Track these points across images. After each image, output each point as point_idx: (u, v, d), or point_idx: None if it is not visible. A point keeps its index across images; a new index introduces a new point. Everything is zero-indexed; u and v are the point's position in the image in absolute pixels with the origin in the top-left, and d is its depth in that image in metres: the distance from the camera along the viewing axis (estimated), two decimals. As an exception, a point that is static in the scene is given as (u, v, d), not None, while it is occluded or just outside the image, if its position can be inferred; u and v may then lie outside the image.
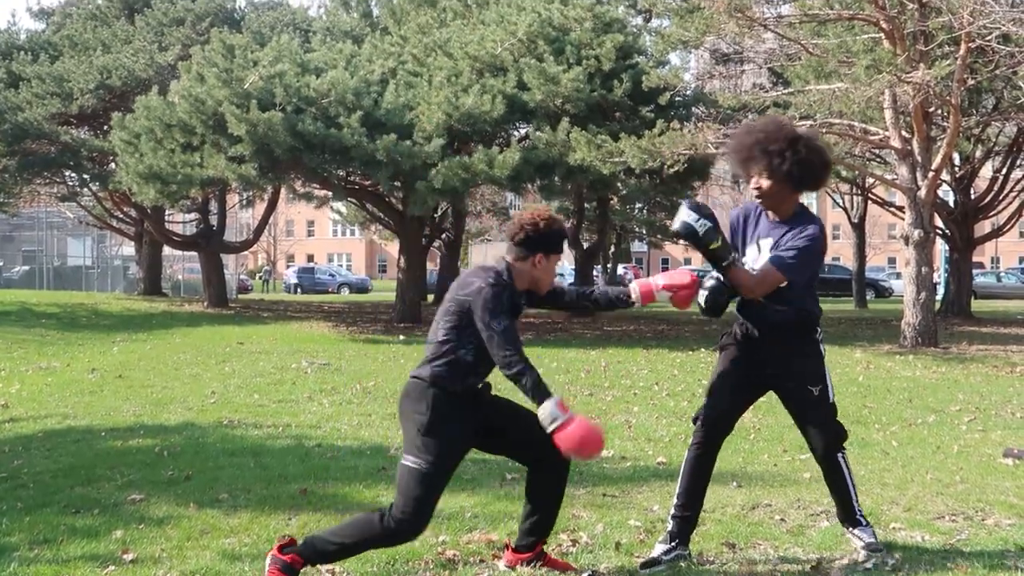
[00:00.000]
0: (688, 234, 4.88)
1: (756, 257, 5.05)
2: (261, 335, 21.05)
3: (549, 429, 4.45)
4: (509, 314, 4.56)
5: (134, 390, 12.32)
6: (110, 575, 4.91)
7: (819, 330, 5.15)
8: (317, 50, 23.11)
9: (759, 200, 5.06)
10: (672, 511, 5.10)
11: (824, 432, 5.10)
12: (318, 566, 4.78)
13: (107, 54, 27.99)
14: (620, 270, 52.52)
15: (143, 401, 11.31)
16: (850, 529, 5.24)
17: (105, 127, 26.87)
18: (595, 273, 37.29)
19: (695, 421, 5.15)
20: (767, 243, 5.03)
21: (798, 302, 5.04)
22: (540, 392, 4.47)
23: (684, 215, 4.89)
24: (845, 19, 18.01)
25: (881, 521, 5.79)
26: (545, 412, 4.46)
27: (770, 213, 5.08)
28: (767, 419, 9.44)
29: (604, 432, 4.66)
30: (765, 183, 4.97)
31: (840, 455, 5.14)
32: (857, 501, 5.22)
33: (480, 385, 4.74)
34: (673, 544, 5.01)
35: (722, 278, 4.96)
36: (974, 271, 36.20)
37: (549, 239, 4.71)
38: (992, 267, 63.87)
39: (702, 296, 4.98)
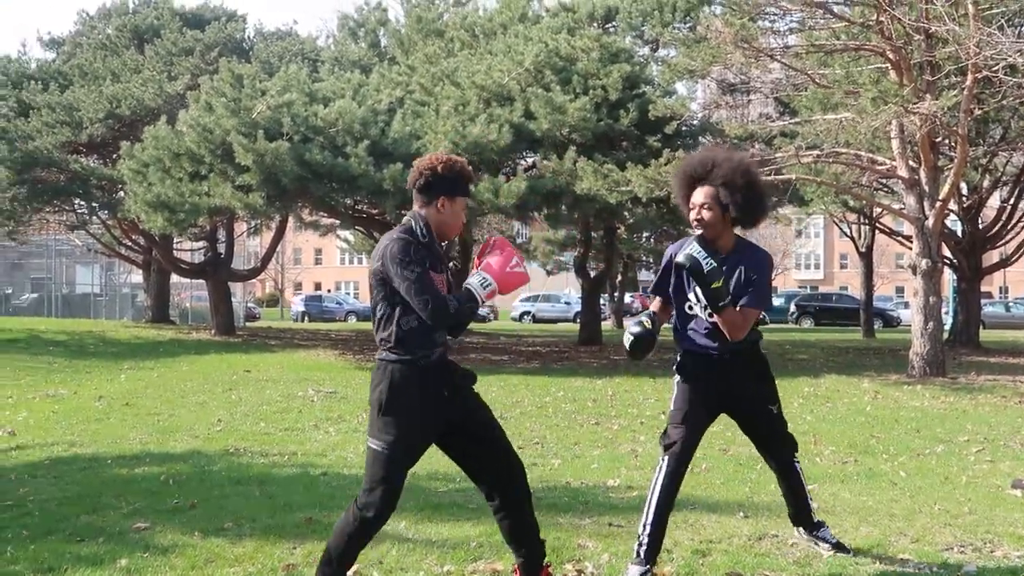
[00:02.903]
0: (694, 268, 5.03)
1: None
2: (268, 363, 21.05)
3: (485, 293, 4.52)
4: (422, 263, 4.45)
5: (140, 418, 12.32)
6: (114, 604, 4.89)
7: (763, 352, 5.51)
8: (325, 79, 23.25)
9: (701, 230, 5.19)
10: (644, 537, 5.16)
11: (782, 444, 5.54)
12: None
13: (116, 83, 28.16)
14: (627, 298, 52.50)
15: (149, 429, 11.30)
16: (813, 534, 5.71)
17: (114, 156, 27.07)
18: (602, 302, 37.27)
19: (666, 448, 5.27)
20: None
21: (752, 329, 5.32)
22: (468, 297, 4.51)
23: (694, 249, 5.06)
24: (852, 50, 18.06)
25: (889, 552, 5.76)
26: (474, 286, 4.54)
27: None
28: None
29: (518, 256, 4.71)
30: (707, 214, 5.15)
31: (795, 461, 5.62)
32: (810, 501, 5.77)
33: (442, 353, 4.64)
34: (648, 567, 5.11)
35: (649, 325, 5.28)
36: (982, 301, 36.15)
37: (449, 181, 4.61)
38: (1000, 297, 63.83)
39: (627, 340, 5.31)
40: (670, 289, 5.38)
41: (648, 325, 5.29)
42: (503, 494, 4.77)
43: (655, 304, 5.53)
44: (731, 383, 5.28)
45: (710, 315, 5.17)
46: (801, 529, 5.78)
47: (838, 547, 5.65)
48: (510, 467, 4.78)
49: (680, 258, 5.09)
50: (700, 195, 5.16)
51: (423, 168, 4.62)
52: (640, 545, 5.14)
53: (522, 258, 4.72)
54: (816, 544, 5.68)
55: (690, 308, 5.30)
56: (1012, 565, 5.52)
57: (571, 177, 19.60)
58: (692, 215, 5.20)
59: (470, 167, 4.82)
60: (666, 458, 5.23)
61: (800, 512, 5.71)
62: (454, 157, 4.71)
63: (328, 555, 4.58)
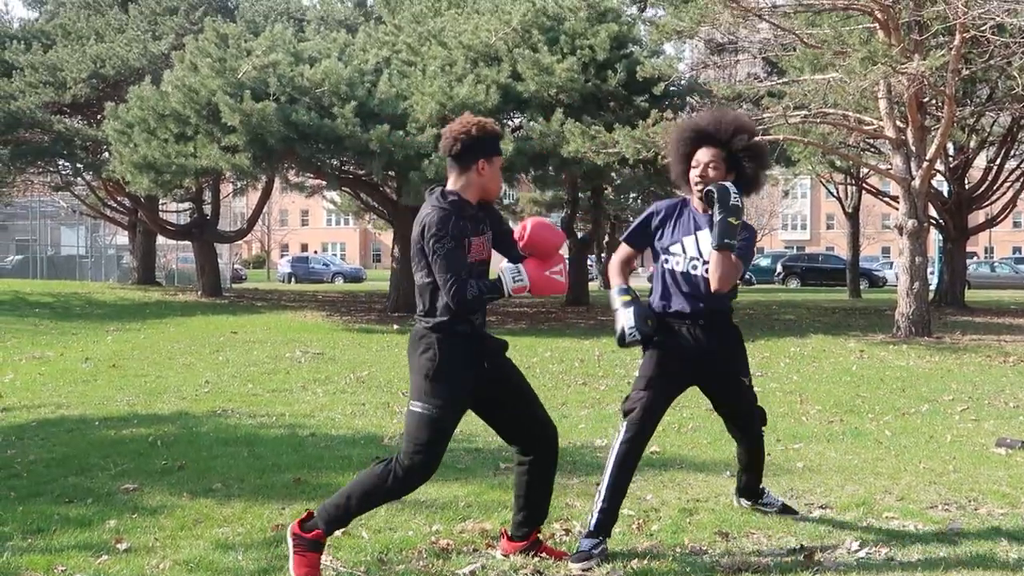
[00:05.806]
0: (724, 196, 4.74)
1: (694, 246, 5.03)
2: (255, 324, 21.03)
3: (514, 286, 4.49)
4: (457, 237, 4.45)
5: (128, 379, 12.31)
6: (103, 564, 4.88)
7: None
8: (311, 39, 23.09)
9: (700, 187, 4.99)
10: (598, 509, 4.96)
11: (754, 417, 5.39)
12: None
13: (100, 43, 27.93)
14: (614, 260, 52.47)
15: (137, 390, 11.29)
16: (758, 502, 5.66)
17: (99, 116, 26.86)
18: (589, 263, 37.30)
19: (625, 414, 5.10)
20: (705, 235, 5.00)
21: (730, 293, 5.11)
22: (491, 287, 4.50)
23: (729, 186, 4.81)
24: (840, 9, 17.97)
25: (874, 510, 5.80)
26: (505, 276, 4.51)
27: (699, 205, 5.08)
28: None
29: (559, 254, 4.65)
30: (714, 173, 4.98)
31: (762, 435, 5.53)
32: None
33: (481, 323, 4.66)
34: (600, 539, 4.92)
35: (643, 322, 4.93)
36: (968, 261, 36.28)
37: (485, 143, 4.60)
38: (986, 257, 64.05)
39: (628, 323, 4.94)
40: (656, 241, 5.13)
41: (649, 320, 4.99)
42: (535, 456, 4.83)
43: (623, 267, 5.24)
44: (705, 352, 5.08)
45: (693, 268, 5.02)
46: (743, 500, 5.73)
47: (784, 509, 5.62)
48: (541, 432, 4.83)
49: (714, 186, 4.79)
50: (707, 154, 5.00)
51: (457, 134, 4.57)
52: (592, 517, 4.96)
53: (566, 265, 4.68)
54: (761, 510, 5.65)
55: (676, 261, 5.05)
56: (995, 523, 5.57)
57: (558, 139, 19.52)
58: (695, 172, 5.01)
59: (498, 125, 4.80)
60: (624, 424, 5.06)
61: (753, 486, 5.65)
62: (483, 119, 4.67)
63: (341, 499, 4.57)
